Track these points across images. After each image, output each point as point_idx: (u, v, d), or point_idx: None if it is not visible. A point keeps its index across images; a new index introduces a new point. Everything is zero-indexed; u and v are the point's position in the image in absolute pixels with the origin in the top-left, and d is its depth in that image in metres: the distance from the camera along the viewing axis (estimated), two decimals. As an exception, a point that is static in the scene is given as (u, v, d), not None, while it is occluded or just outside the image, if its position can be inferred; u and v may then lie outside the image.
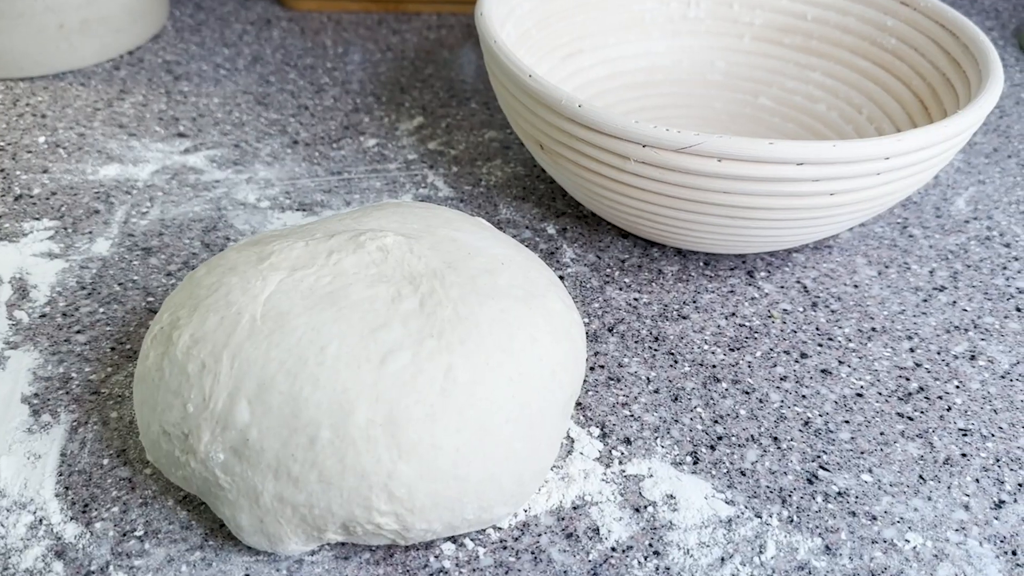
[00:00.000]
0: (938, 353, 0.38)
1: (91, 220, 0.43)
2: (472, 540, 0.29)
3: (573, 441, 0.33)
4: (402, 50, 0.60)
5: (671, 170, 0.34)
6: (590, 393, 0.35)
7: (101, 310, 0.38)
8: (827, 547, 0.30)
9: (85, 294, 0.38)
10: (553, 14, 0.49)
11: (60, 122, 0.50)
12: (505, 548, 0.29)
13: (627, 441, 0.33)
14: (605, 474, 0.32)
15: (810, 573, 0.29)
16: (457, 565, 0.29)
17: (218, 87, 0.54)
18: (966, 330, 0.39)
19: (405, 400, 0.27)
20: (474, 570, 0.29)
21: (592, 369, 0.36)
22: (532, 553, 0.29)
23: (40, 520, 0.29)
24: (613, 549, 0.29)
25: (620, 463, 0.32)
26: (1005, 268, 0.43)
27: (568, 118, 0.35)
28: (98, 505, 0.30)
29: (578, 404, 0.35)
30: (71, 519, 0.29)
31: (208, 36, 0.60)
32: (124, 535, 0.29)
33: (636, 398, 0.35)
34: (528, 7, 0.47)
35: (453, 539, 0.29)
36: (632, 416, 0.34)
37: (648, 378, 0.36)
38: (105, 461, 0.31)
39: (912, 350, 0.38)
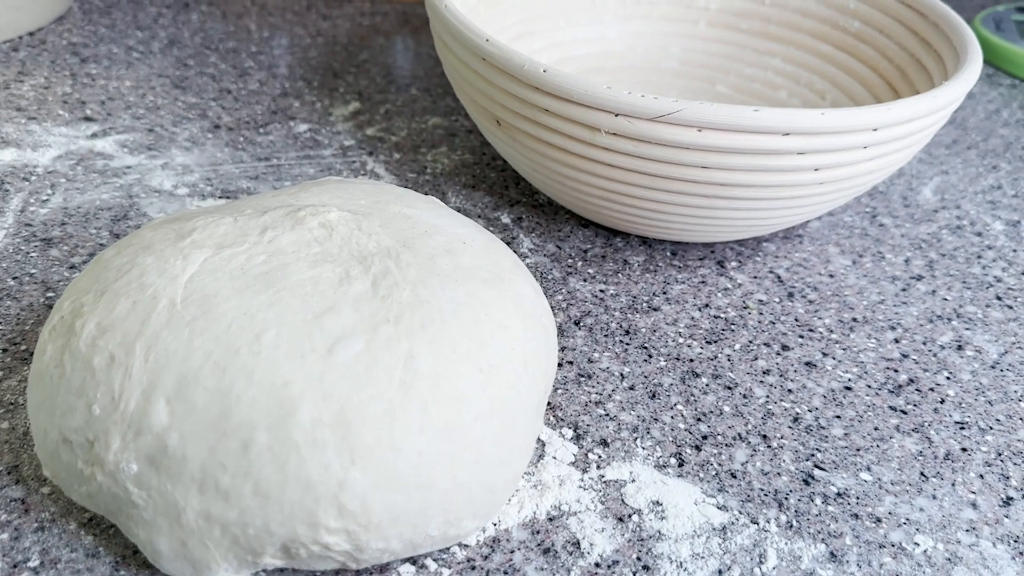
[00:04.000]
0: (924, 343, 0.36)
1: (-21, 208, 0.37)
2: (435, 560, 0.25)
3: (544, 444, 0.29)
4: (334, 35, 0.56)
5: (645, 142, 0.31)
6: (560, 392, 0.32)
7: (-12, 307, 0.32)
8: (832, 554, 0.27)
9: (-31, 290, 0.33)
10: (501, -9, 0.45)
11: (-55, 104, 0.44)
12: (474, 568, 0.25)
13: (604, 443, 0.30)
14: (582, 480, 0.28)
15: (818, 584, 0.26)
16: (420, 590, 0.24)
17: (130, 70, 0.48)
18: (949, 319, 0.37)
19: (358, 395, 0.23)
20: (440, 595, 0.24)
21: (560, 365, 0.33)
22: (505, 573, 0.25)
23: (-97, 554, 0.24)
24: (597, 565, 0.26)
25: (598, 467, 0.29)
26: (980, 257, 0.41)
27: (531, 86, 0.32)
28: (-21, 534, 0.25)
29: (548, 404, 0.31)
30: (-57, 552, 0.24)
31: (119, 18, 0.55)
32: (15, 567, 0.24)
33: (610, 396, 0.32)
34: (475, -19, 0.44)
35: (413, 560, 0.25)
36: (607, 415, 0.31)
37: (622, 374, 0.33)
38: (-11, 481, 0.26)
39: (897, 341, 0.36)
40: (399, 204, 0.29)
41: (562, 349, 0.34)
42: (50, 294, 0.33)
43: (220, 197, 0.39)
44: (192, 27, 0.54)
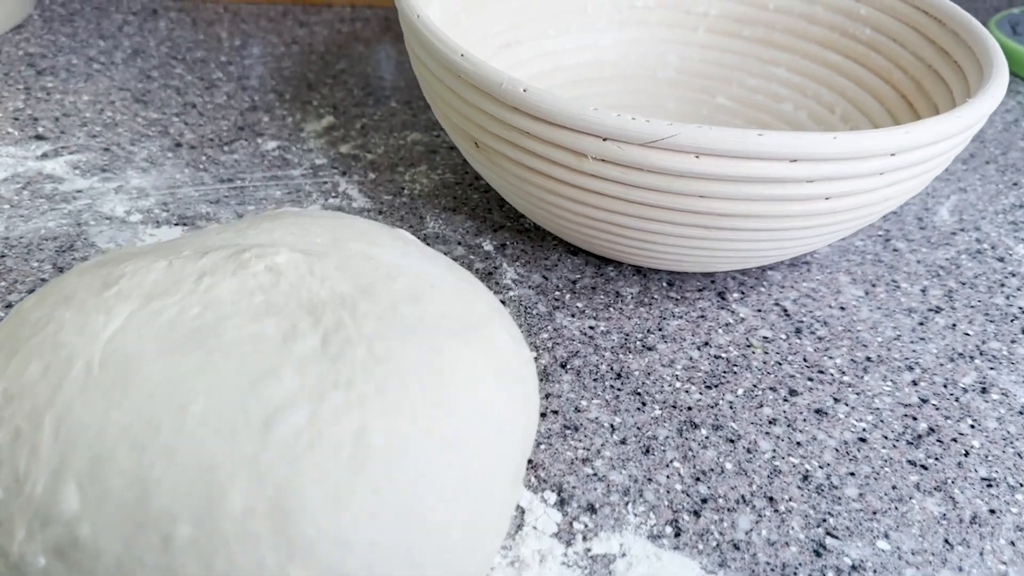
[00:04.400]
0: (944, 386, 0.32)
1: (-90, 239, 0.34)
2: (395, 658, 0.22)
3: (524, 512, 0.26)
4: (310, 43, 0.52)
5: (637, 169, 0.28)
6: (543, 447, 0.28)
7: (-91, 354, 0.29)
8: (849, 641, 0.23)
9: None
10: (485, -2, 0.42)
11: None
12: (439, 666, 0.22)
13: (591, 509, 0.26)
14: (566, 555, 0.25)
15: None
16: None
17: (89, 83, 0.45)
18: (972, 358, 0.34)
19: (299, 478, 0.19)
20: None
21: (544, 416, 0.30)
22: (475, 671, 0.22)
23: None
24: (581, 659, 0.22)
25: (584, 539, 0.25)
26: (1003, 285, 0.38)
27: (510, 106, 0.29)
28: None
29: (528, 462, 0.28)
30: None
31: (82, 27, 0.51)
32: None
33: (599, 451, 0.28)
34: (456, -13, 0.40)
35: (369, 658, 0.22)
36: (595, 475, 0.28)
37: (612, 425, 0.29)
38: None
39: (915, 383, 0.32)
40: (361, 241, 0.26)
41: (546, 396, 0.30)
42: (-21, 338, 0.30)
43: (176, 224, 0.36)
44: (159, 36, 0.51)
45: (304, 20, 0.55)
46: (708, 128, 0.26)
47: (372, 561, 0.20)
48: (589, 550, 0.25)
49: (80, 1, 0.54)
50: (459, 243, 0.37)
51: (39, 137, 0.41)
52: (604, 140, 0.27)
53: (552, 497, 0.27)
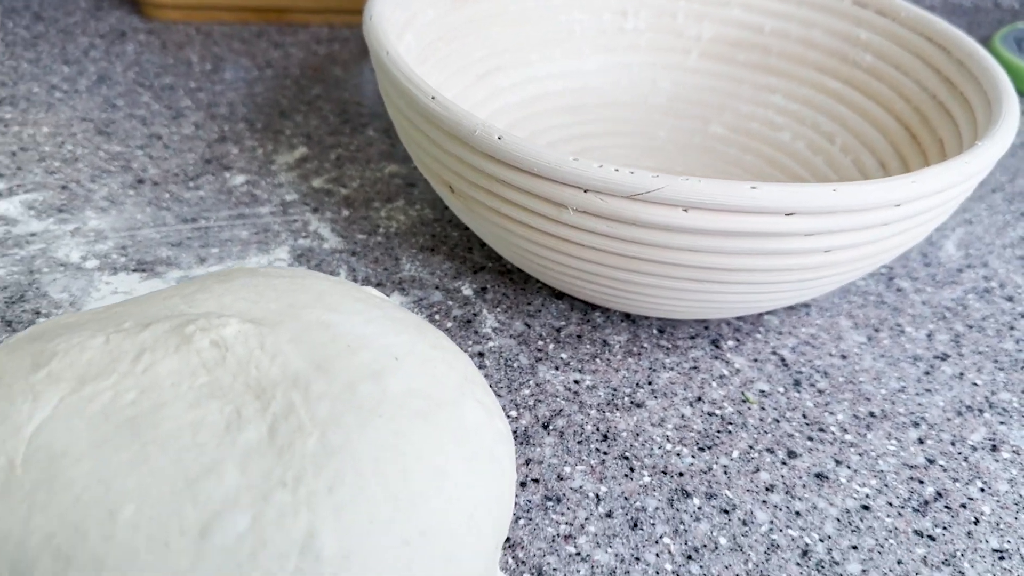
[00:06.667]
0: (952, 444, 0.30)
1: None
2: None
3: (499, 600, 0.24)
4: (285, 67, 0.50)
5: (621, 222, 0.26)
6: (522, 522, 0.26)
7: None
8: None
9: None
10: (463, 24, 0.40)
11: None
12: None
13: (573, 594, 0.24)
14: (545, 651, 0.23)
15: None
16: None
17: (50, 113, 0.43)
18: (981, 411, 0.32)
19: (239, 595, 0.17)
20: None
21: (524, 485, 0.27)
22: None
23: None
24: None
25: (565, 631, 0.23)
26: (1012, 328, 0.36)
27: (484, 154, 0.27)
28: None
29: (506, 540, 0.26)
30: None
31: (45, 51, 0.49)
32: None
33: (583, 527, 0.26)
34: (433, 14, 0.38)
35: None
36: (579, 555, 0.25)
37: (597, 495, 0.27)
38: None
39: (921, 440, 0.30)
40: (319, 307, 0.24)
41: (527, 462, 0.28)
42: (-86, 404, 0.28)
43: (134, 270, 0.34)
44: (126, 60, 0.49)
45: (279, 41, 0.53)
46: (696, 181, 0.24)
47: None
48: (570, 645, 0.23)
49: (45, 23, 0.52)
50: (436, 287, 0.35)
51: (-6, 173, 0.38)
52: (585, 192, 0.25)
53: (531, 582, 0.25)
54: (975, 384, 0.33)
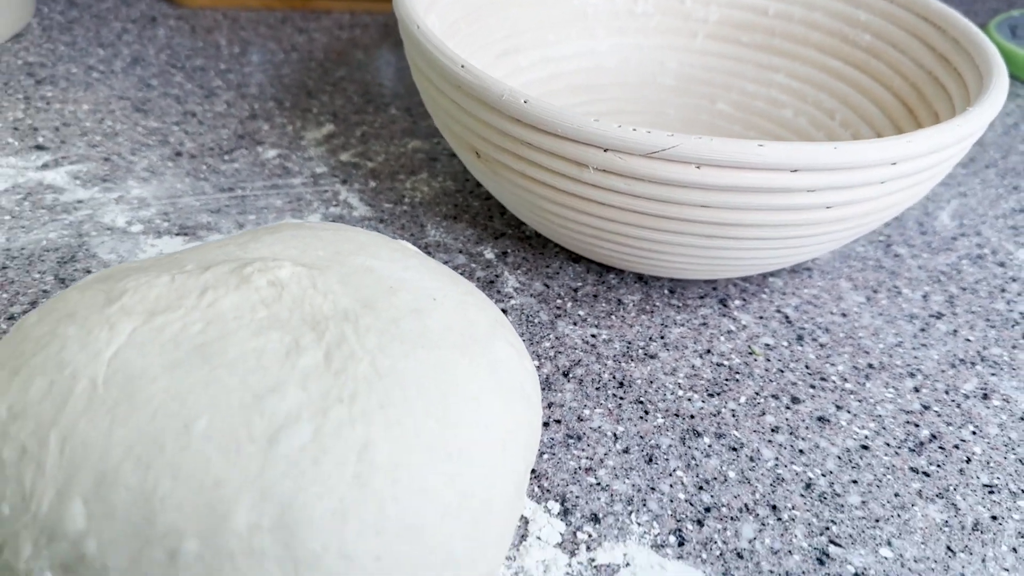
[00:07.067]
0: (946, 392, 0.33)
1: (-88, 251, 0.34)
2: (400, 672, 0.22)
3: (528, 522, 0.26)
4: (309, 51, 0.52)
5: (638, 180, 0.28)
6: (546, 456, 0.28)
7: (-88, 368, 0.29)
8: (853, 651, 0.24)
9: None
10: (484, 5, 0.42)
11: None
12: None
13: (595, 519, 0.26)
14: (570, 565, 0.25)
15: None
16: None
17: (89, 92, 0.45)
18: (973, 364, 0.34)
19: (304, 494, 0.20)
20: None
21: (547, 426, 0.30)
22: None
23: None
24: (586, 671, 0.22)
25: (588, 549, 0.26)
26: (1004, 291, 0.38)
27: (511, 118, 0.29)
28: None
29: (532, 472, 0.28)
30: None
31: (81, 35, 0.51)
32: None
33: (602, 461, 0.28)
34: (455, -5, 0.40)
35: (375, 672, 0.22)
36: (599, 485, 0.28)
37: (615, 434, 0.29)
38: None
39: (917, 390, 0.33)
40: (363, 254, 0.26)
41: (549, 406, 0.30)
42: (-18, 351, 0.30)
43: (177, 234, 0.36)
44: (158, 44, 0.51)
45: (303, 27, 0.55)
46: (709, 139, 0.27)
47: (376, 574, 0.20)
48: (593, 560, 0.25)
49: (79, 9, 0.54)
50: (460, 251, 0.37)
51: (39, 147, 0.41)
52: (606, 151, 0.28)
53: (556, 507, 0.27)
54: (968, 340, 0.35)
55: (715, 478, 0.28)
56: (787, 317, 0.35)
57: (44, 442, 0.20)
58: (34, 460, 0.20)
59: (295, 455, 0.20)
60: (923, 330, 0.35)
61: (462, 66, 0.29)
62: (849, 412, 0.31)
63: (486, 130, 0.30)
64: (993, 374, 0.34)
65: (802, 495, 0.28)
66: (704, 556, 0.26)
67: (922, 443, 0.30)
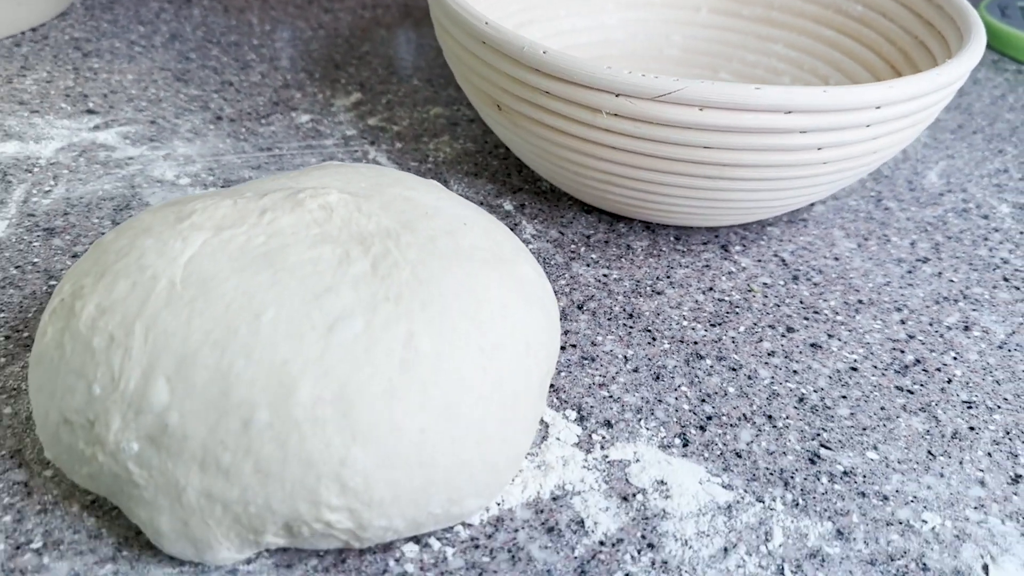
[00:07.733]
0: (930, 324, 0.35)
1: (-18, 200, 0.37)
2: (439, 539, 0.25)
3: (548, 426, 0.29)
4: (335, 28, 0.56)
5: (647, 122, 0.31)
6: (563, 374, 0.31)
7: (-9, 296, 0.32)
8: (839, 531, 0.26)
9: (-28, 279, 0.33)
10: (502, -21, 0.45)
11: (-52, 99, 0.44)
12: (477, 547, 0.25)
13: (608, 424, 0.29)
14: (586, 460, 0.28)
15: (823, 561, 0.25)
16: (422, 569, 0.24)
17: (132, 64, 0.49)
18: (956, 300, 0.37)
19: (358, 374, 0.23)
20: (442, 573, 0.24)
21: (563, 348, 0.33)
22: (509, 551, 0.25)
23: (-94, 538, 0.24)
24: (601, 543, 0.25)
25: (602, 448, 0.29)
26: (986, 239, 0.41)
27: (531, 68, 0.32)
28: (-18, 517, 0.25)
29: (551, 386, 0.31)
30: (-54, 535, 0.24)
31: (121, 14, 0.55)
32: (18, 548, 0.24)
33: (614, 378, 0.31)
34: (475, -31, 0.43)
35: (416, 539, 0.25)
36: (611, 397, 0.31)
37: (625, 357, 0.32)
38: (-8, 465, 0.26)
39: (903, 322, 0.35)
40: (399, 187, 0.29)
41: (565, 332, 0.33)
42: (52, 282, 0.33)
43: (223, 186, 0.39)
44: (194, 22, 0.54)
45: (328, 7, 0.59)
46: (711, 83, 0.30)
47: (421, 444, 0.23)
48: (607, 456, 0.28)
49: (117, -9, 0.58)
50: (481, 203, 0.40)
51: (90, 111, 0.44)
52: (617, 96, 0.31)
53: (573, 415, 0.30)
54: (951, 281, 0.38)
55: (716, 393, 0.31)
56: (783, 260, 0.38)
57: (130, 331, 0.23)
58: (121, 346, 0.23)
59: (350, 343, 0.23)
60: (910, 272, 0.38)
61: (486, 23, 0.33)
62: (840, 340, 0.34)
63: (508, 82, 0.33)
64: (974, 309, 0.36)
65: (795, 407, 0.31)
66: (706, 455, 0.29)
67: (907, 366, 0.33)
